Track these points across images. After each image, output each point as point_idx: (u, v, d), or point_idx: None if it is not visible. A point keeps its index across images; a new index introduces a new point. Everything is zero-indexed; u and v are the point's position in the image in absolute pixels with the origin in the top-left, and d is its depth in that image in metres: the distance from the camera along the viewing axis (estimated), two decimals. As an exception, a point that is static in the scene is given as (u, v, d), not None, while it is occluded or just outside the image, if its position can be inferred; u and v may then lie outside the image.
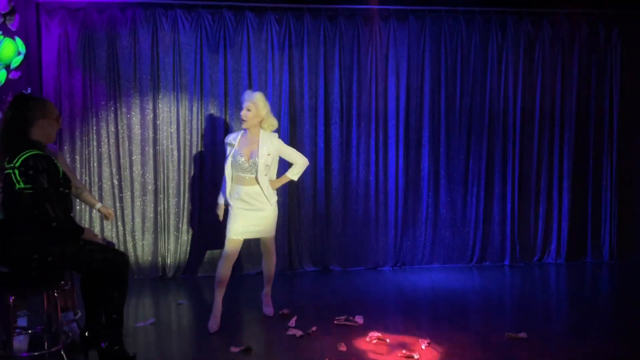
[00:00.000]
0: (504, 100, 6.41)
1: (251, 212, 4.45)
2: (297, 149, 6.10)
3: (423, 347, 4.04)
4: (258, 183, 4.44)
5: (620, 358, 3.88)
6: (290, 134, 6.12)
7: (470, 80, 6.35)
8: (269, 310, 4.78)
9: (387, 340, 4.19)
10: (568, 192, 6.53)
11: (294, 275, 6.16)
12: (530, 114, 6.45)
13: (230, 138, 4.60)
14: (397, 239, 6.38)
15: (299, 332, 4.33)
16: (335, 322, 4.58)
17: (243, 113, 4.47)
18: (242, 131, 4.56)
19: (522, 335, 4.26)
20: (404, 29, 6.23)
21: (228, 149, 4.56)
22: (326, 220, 6.26)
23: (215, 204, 4.79)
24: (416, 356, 3.88)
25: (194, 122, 5.98)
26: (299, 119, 6.16)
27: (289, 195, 6.17)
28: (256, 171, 4.43)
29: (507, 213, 6.46)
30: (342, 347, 4.04)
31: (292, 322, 4.54)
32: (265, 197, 4.46)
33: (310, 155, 6.12)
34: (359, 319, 4.62)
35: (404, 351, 3.97)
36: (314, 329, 4.40)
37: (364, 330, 4.38)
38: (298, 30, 6.08)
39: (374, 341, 4.19)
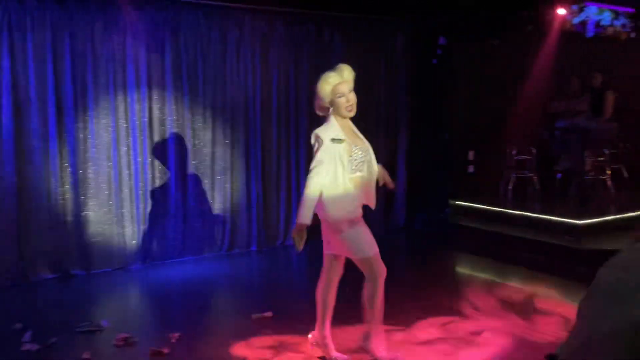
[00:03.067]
0: (244, 94, 6.65)
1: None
2: (24, 144, 5.54)
3: (173, 340, 4.03)
4: (369, 182, 3.54)
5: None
6: (15, 128, 5.45)
7: (212, 73, 6.44)
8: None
9: (136, 340, 4.08)
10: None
11: (28, 285, 5.53)
12: (268, 106, 6.82)
13: (333, 132, 3.41)
14: (146, 235, 6.20)
15: (35, 347, 3.94)
16: (77, 330, 4.28)
17: (348, 98, 3.42)
18: (331, 120, 3.46)
19: (268, 314, 4.54)
20: (142, 18, 6.00)
21: (334, 146, 3.38)
22: (64, 222, 5.76)
23: None
24: (166, 351, 3.85)
25: None
26: (25, 111, 5.51)
27: (18, 197, 5.51)
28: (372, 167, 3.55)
29: (252, 201, 6.77)
30: (87, 355, 3.80)
31: (27, 336, 4.11)
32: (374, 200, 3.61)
33: (40, 153, 5.58)
34: (105, 323, 4.39)
35: (153, 347, 3.91)
36: (53, 340, 4.06)
37: (110, 333, 4.19)
38: (20, 14, 5.42)
39: (122, 343, 4.04)
